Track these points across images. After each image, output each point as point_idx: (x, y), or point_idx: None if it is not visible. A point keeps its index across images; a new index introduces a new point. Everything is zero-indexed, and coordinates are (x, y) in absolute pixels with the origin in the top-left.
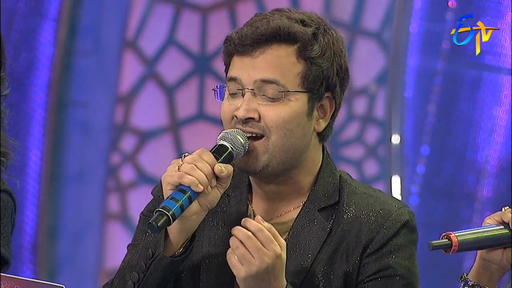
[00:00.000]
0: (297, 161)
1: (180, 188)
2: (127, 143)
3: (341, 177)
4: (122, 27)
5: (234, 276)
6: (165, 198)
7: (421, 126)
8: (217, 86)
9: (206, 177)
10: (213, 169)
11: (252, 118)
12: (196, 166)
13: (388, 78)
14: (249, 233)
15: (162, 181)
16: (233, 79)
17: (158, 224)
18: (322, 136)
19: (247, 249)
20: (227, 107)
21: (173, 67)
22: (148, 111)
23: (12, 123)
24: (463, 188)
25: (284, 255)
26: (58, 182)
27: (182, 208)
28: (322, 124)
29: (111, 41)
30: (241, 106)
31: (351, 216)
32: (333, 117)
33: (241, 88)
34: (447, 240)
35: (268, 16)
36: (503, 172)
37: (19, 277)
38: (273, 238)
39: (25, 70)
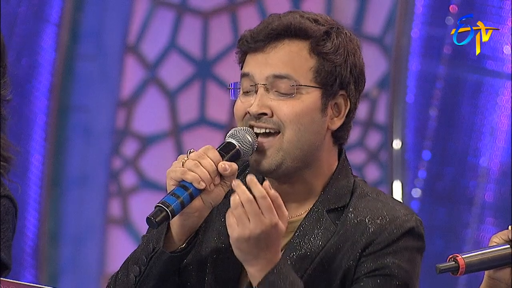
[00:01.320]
0: (310, 160)
1: (182, 184)
2: (129, 147)
3: (355, 182)
4: (124, 31)
5: (241, 272)
6: (167, 193)
7: (423, 130)
8: (231, 84)
9: (209, 175)
10: (217, 167)
11: (265, 114)
12: (199, 163)
13: (390, 83)
14: (251, 197)
15: (166, 176)
16: (246, 75)
17: (156, 220)
18: (337, 137)
19: (245, 212)
20: (240, 104)
21: (174, 71)
22: (150, 115)
23: (13, 127)
24: (465, 193)
25: (282, 226)
26: (59, 187)
27: (183, 205)
28: (337, 123)
29: (112, 46)
30: (254, 102)
31: (357, 219)
32: (348, 117)
33: (253, 84)
34: (454, 262)
35: (281, 15)
36: (504, 177)
37: (20, 282)
38: (273, 207)
39: (26, 75)
